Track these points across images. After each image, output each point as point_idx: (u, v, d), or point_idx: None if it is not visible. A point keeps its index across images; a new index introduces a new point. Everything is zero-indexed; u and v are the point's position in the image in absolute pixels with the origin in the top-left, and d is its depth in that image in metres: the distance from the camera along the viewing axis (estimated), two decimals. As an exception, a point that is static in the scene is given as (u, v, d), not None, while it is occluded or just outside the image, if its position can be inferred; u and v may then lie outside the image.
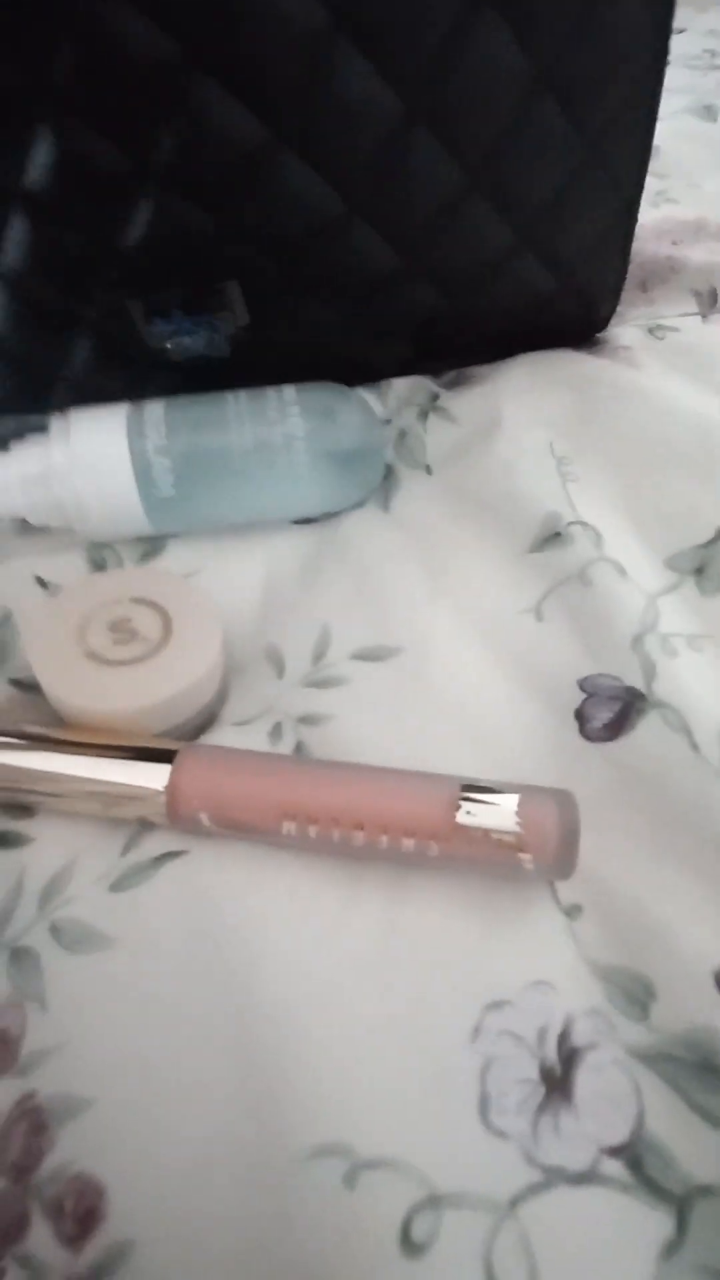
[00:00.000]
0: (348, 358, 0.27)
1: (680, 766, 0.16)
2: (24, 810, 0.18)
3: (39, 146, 0.19)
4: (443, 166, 0.21)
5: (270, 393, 0.24)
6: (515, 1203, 0.12)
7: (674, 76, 0.65)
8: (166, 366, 0.25)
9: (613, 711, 0.18)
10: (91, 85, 0.18)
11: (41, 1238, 0.12)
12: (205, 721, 0.20)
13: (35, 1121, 0.13)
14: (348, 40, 0.18)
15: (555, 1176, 0.12)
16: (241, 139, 0.19)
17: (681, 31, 0.65)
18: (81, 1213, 0.12)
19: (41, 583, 0.24)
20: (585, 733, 0.18)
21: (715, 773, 0.16)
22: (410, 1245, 0.11)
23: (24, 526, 0.24)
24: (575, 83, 0.21)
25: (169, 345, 0.24)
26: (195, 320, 0.24)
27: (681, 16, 0.83)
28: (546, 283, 0.26)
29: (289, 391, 0.24)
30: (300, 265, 0.23)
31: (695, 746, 0.17)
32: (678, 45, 0.63)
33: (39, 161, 0.19)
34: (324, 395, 0.24)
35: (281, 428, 0.23)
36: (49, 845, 0.17)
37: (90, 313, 0.23)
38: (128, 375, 0.25)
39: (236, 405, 0.24)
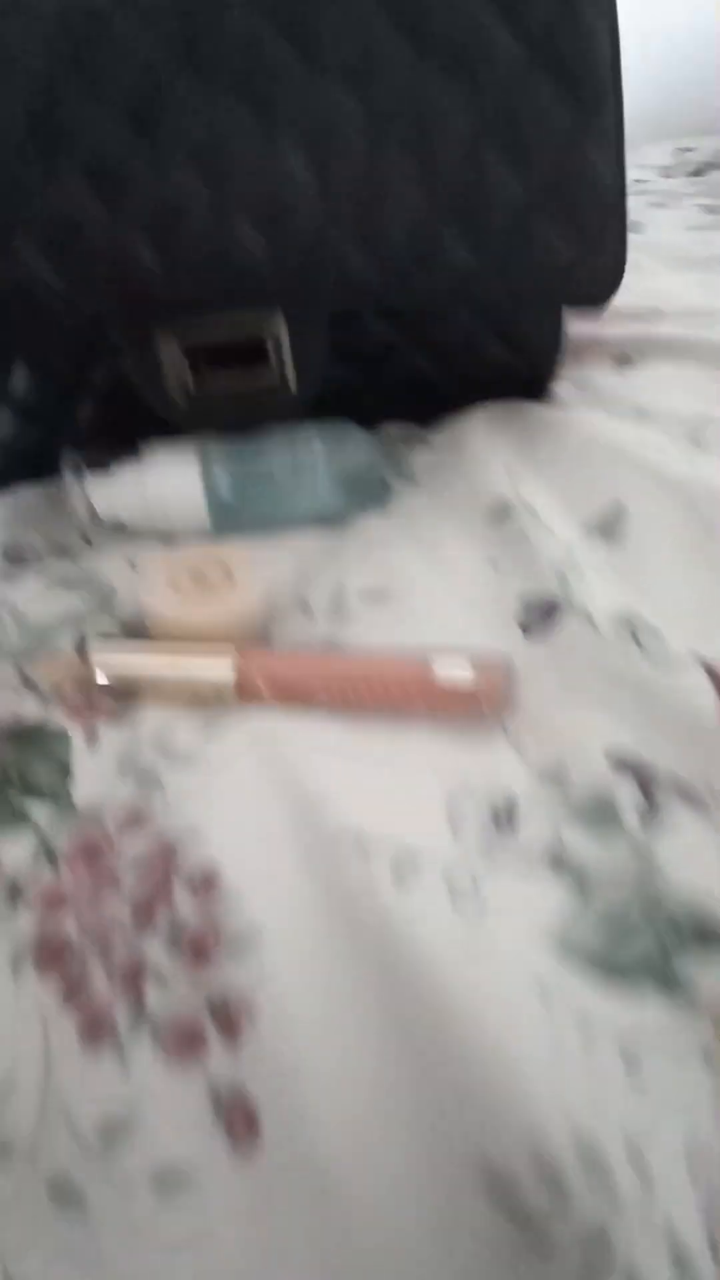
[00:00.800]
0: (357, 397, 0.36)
1: (586, 642, 0.24)
2: (130, 695, 0.26)
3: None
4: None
5: (299, 430, 0.33)
6: (476, 861, 0.19)
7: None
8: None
9: (543, 614, 0.26)
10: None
11: (181, 899, 0.19)
12: (259, 641, 0.28)
13: (167, 853, 0.20)
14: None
15: (498, 853, 0.19)
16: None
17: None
18: (205, 878, 0.19)
19: (131, 565, 0.32)
20: (526, 634, 0.26)
21: (607, 643, 0.24)
22: (401, 880, 0.18)
23: (119, 528, 0.33)
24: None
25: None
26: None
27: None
28: (501, 350, 0.36)
29: (313, 428, 0.33)
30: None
31: (596, 628, 0.24)
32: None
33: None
34: (338, 430, 0.34)
35: (308, 454, 0.32)
36: (154, 715, 0.25)
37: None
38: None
39: (275, 439, 0.33)
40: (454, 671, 0.23)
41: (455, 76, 0.27)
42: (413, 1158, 0.14)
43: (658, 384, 0.38)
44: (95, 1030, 0.17)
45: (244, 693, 0.24)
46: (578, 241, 0.30)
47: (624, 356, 0.41)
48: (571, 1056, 0.15)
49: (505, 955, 0.17)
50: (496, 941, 0.17)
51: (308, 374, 0.33)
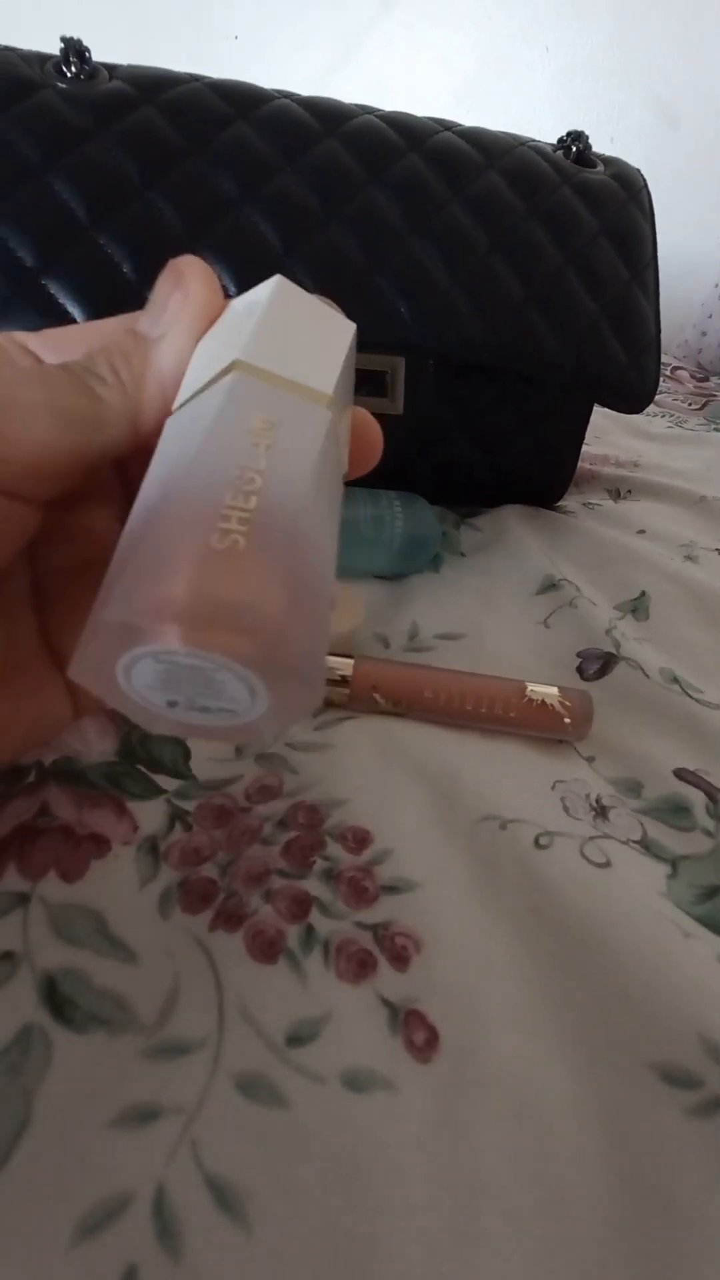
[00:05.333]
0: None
1: (639, 685, 0.29)
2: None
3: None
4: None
5: (380, 491, 0.39)
6: (593, 838, 0.22)
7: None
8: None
9: (599, 664, 0.31)
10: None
11: (335, 852, 0.20)
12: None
13: (312, 814, 0.22)
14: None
15: (607, 835, 0.22)
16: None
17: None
18: (356, 838, 0.21)
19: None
20: (583, 677, 0.31)
21: (658, 687, 0.29)
22: (539, 845, 0.21)
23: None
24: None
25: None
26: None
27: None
28: (530, 452, 0.44)
29: (391, 493, 0.39)
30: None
31: (647, 676, 0.29)
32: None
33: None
34: (409, 498, 0.39)
35: (388, 511, 0.38)
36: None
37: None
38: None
39: (359, 493, 0.38)
40: (545, 692, 0.27)
41: (550, 227, 0.38)
42: (585, 1063, 0.16)
43: (649, 514, 0.47)
44: (267, 948, 0.18)
45: (355, 696, 0.27)
46: (629, 353, 0.39)
47: (616, 491, 0.51)
48: (715, 975, 0.17)
49: (640, 898, 0.19)
50: (630, 890, 0.20)
51: (414, 402, 0.39)
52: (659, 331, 0.40)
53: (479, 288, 0.37)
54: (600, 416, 0.70)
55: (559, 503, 0.48)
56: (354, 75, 1.15)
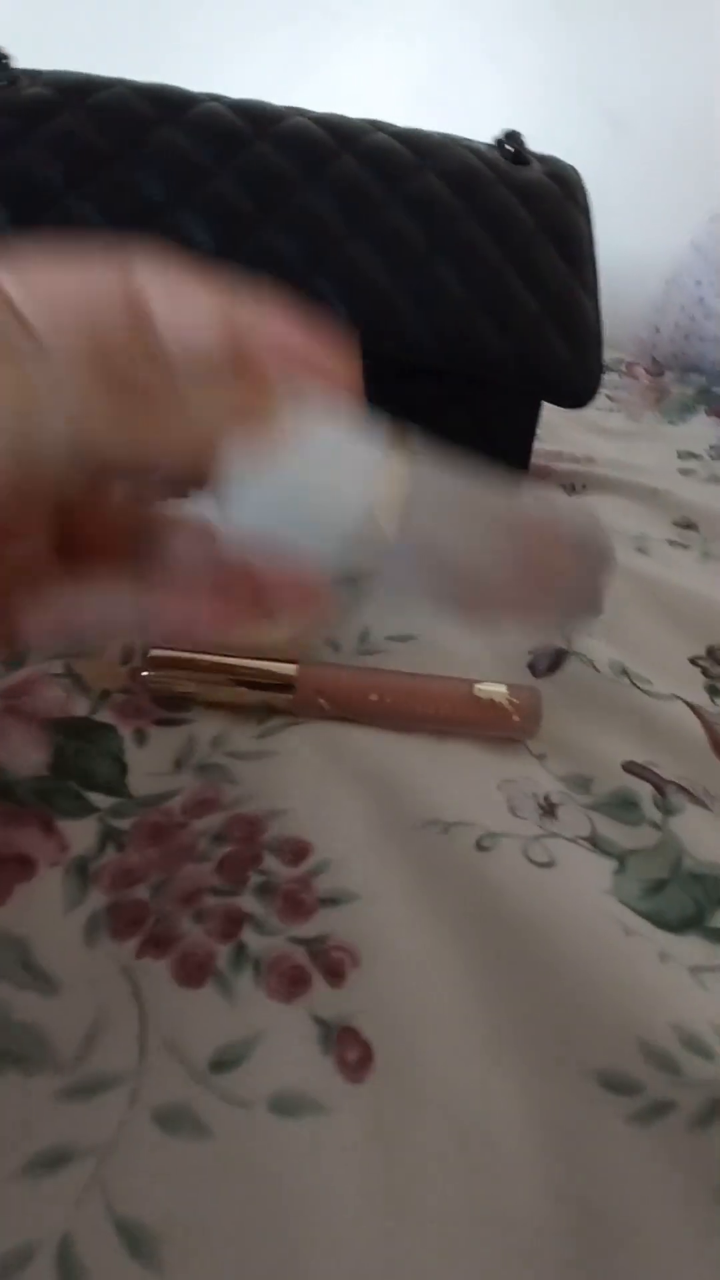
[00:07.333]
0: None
1: (589, 679, 0.29)
2: (179, 704, 0.27)
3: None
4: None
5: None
6: (539, 837, 0.21)
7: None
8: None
9: (549, 660, 0.30)
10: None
11: (272, 865, 0.20)
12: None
13: (251, 827, 0.21)
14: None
15: (553, 834, 0.22)
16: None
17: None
18: (295, 849, 0.20)
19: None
20: (535, 674, 0.30)
21: (608, 680, 0.29)
22: (481, 848, 0.20)
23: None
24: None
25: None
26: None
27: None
28: (482, 462, 0.44)
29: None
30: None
31: (597, 670, 0.29)
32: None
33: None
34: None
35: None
36: (206, 721, 0.26)
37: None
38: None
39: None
40: (493, 690, 0.27)
41: (489, 227, 0.37)
42: (525, 1074, 0.16)
43: (603, 507, 0.47)
44: (195, 972, 0.17)
45: (300, 703, 0.26)
46: (572, 349, 0.39)
47: (571, 486, 0.51)
48: (655, 974, 0.17)
49: (583, 897, 0.19)
50: (573, 889, 0.19)
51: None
52: (600, 327, 0.40)
53: (421, 289, 0.37)
54: (554, 414, 0.70)
55: (514, 500, 0.48)
56: (301, 87, 1.15)
